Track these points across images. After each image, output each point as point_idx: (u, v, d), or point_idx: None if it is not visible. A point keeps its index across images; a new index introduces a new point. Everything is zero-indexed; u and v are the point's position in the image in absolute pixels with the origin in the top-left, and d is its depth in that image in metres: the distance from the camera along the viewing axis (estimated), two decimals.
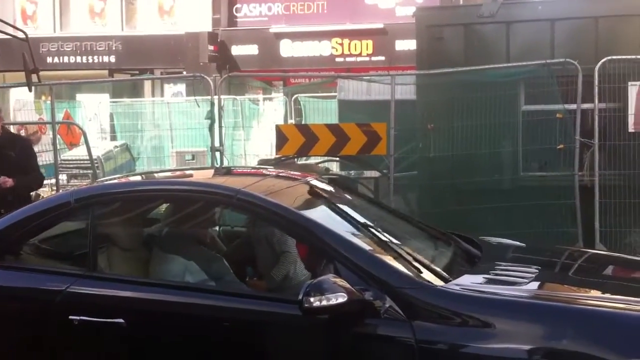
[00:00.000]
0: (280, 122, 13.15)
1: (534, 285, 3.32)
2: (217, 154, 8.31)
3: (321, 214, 3.54)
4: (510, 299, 3.07)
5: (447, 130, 7.86)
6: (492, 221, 7.21)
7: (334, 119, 11.21)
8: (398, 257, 3.30)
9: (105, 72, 20.47)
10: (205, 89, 8.76)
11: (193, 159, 13.67)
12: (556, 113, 7.62)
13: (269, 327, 3.16)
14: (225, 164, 8.75)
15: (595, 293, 3.44)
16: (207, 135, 8.93)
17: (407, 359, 2.92)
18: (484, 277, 3.34)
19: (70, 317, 3.23)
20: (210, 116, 8.37)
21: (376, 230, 3.57)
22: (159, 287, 3.40)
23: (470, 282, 3.23)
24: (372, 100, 8.93)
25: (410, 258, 3.31)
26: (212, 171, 5.79)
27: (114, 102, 16.53)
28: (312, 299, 2.88)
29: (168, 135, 15.82)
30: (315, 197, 3.84)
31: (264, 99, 16.96)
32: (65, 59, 20.60)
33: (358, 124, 7.60)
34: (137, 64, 20.25)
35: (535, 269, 3.55)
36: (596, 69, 7.27)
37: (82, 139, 10.74)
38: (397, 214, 4.52)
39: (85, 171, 12.20)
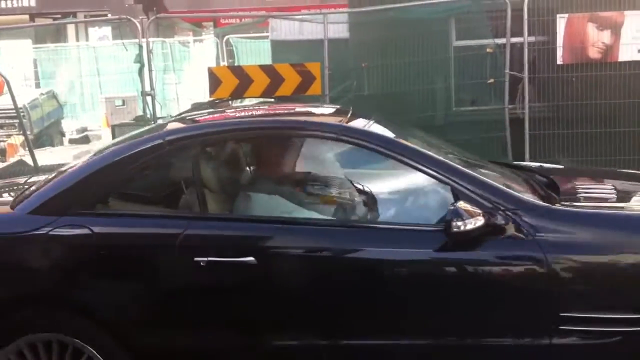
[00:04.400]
0: (212, 64, 12.92)
1: (626, 200, 3.55)
2: (149, 98, 8.16)
3: (419, 146, 3.48)
4: (621, 213, 3.31)
5: (381, 68, 7.89)
6: None
7: (267, 60, 11.07)
8: (500, 183, 3.36)
9: (26, 16, 19.64)
10: (133, 31, 8.51)
11: (124, 104, 13.37)
12: (486, 48, 7.73)
13: (407, 257, 3.17)
14: (158, 108, 8.59)
15: None
16: (137, 80, 8.74)
17: (539, 275, 3.06)
18: (579, 197, 3.48)
19: (196, 259, 3.15)
20: (139, 60, 8.19)
21: (460, 160, 3.56)
22: (285, 224, 3.29)
23: (573, 202, 3.38)
24: (305, 40, 8.84)
25: (507, 183, 3.39)
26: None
27: (37, 47, 15.94)
28: (459, 224, 2.98)
29: (96, 80, 15.40)
30: (393, 132, 3.67)
31: (194, 41, 16.63)
32: None
33: (292, 64, 7.55)
34: (59, 8, 19.49)
35: (611, 186, 3.75)
36: (525, 2, 7.37)
37: (5, 87, 10.34)
38: (446, 145, 4.36)
39: (11, 120, 11.80)
